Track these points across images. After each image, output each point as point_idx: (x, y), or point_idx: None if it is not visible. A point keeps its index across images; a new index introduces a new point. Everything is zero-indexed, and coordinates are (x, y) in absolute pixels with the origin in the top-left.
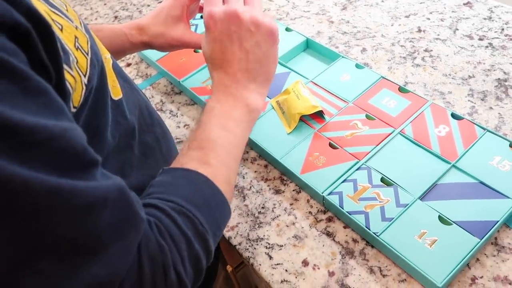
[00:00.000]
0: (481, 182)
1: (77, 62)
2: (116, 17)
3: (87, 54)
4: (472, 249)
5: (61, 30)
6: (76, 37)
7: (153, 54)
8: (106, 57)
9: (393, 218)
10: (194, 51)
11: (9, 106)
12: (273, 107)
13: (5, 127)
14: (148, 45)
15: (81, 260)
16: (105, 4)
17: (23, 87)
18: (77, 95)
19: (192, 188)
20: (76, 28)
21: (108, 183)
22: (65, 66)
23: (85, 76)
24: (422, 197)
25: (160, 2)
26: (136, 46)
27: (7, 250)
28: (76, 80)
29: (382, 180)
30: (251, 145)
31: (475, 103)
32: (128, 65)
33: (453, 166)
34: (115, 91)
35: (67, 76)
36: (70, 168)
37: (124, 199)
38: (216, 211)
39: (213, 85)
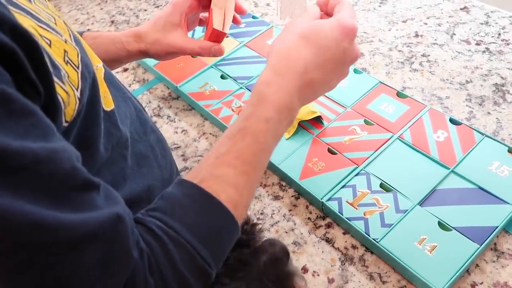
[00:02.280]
0: (480, 188)
1: (68, 76)
2: (112, 21)
3: (77, 67)
4: (472, 255)
5: (50, 45)
6: (65, 51)
7: (150, 59)
8: (98, 66)
9: (393, 224)
10: (192, 57)
11: None
12: None
13: None
14: (145, 53)
15: None
16: (101, 9)
17: (7, 110)
18: (71, 110)
19: (202, 214)
20: (65, 41)
21: (104, 214)
22: (57, 81)
23: (77, 90)
24: (421, 203)
25: (157, 6)
26: (132, 54)
27: None
28: (69, 94)
29: (381, 185)
30: None
31: (473, 108)
32: (125, 70)
33: (452, 171)
34: (107, 102)
35: (59, 90)
36: (58, 194)
37: (118, 234)
38: (224, 240)
39: (280, 79)
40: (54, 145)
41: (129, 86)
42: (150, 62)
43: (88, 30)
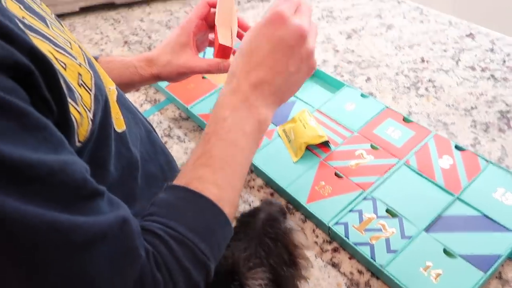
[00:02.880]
0: (485, 215)
1: (81, 98)
2: (125, 42)
3: (91, 90)
4: (477, 283)
5: (65, 68)
6: (79, 74)
7: None
8: (110, 88)
9: (398, 250)
10: (203, 78)
11: (8, 143)
12: (279, 136)
13: (3, 164)
14: (157, 77)
15: None
16: (115, 29)
17: (21, 124)
18: (84, 130)
19: (195, 212)
20: (80, 65)
21: (110, 217)
22: (70, 101)
23: (90, 111)
24: (427, 229)
25: (169, 27)
26: (145, 79)
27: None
28: (82, 115)
29: (387, 211)
30: (257, 173)
31: (478, 134)
32: (137, 90)
33: (457, 198)
34: (119, 123)
35: (72, 110)
36: (70, 202)
37: (125, 233)
38: (218, 235)
39: (232, 85)
40: (65, 157)
41: (141, 106)
42: (162, 83)
43: (102, 50)
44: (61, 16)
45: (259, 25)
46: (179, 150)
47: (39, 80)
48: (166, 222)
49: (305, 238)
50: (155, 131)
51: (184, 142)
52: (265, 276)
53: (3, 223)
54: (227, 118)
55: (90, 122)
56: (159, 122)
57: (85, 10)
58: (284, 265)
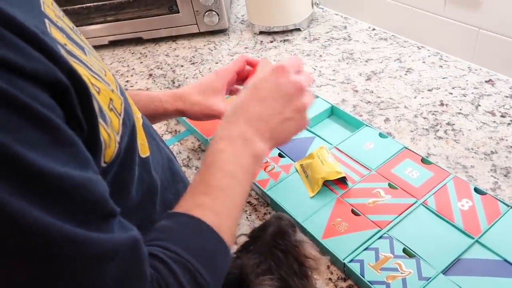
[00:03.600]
0: (506, 260)
1: (111, 121)
2: (150, 74)
3: (120, 115)
4: None
5: (98, 93)
6: (111, 99)
7: None
8: (138, 116)
9: None
10: None
11: (39, 155)
12: (297, 170)
13: (34, 174)
14: (182, 113)
15: None
16: (141, 63)
17: (55, 138)
18: (110, 151)
19: (196, 237)
20: (112, 91)
21: (122, 237)
22: (101, 122)
23: (118, 134)
24: (445, 272)
25: (193, 63)
26: (169, 113)
27: None
28: (110, 137)
29: (404, 251)
30: (274, 206)
31: (498, 179)
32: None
33: (477, 241)
34: (144, 149)
35: (102, 131)
36: (88, 218)
37: (135, 255)
38: (218, 260)
39: (228, 121)
40: (89, 175)
41: (161, 137)
42: None
43: (127, 81)
44: None
45: (264, 72)
46: None
47: (75, 99)
48: (168, 245)
49: (316, 250)
50: (175, 159)
51: None
52: (274, 284)
53: (23, 231)
54: (225, 150)
55: (117, 145)
56: (179, 152)
57: (114, 43)
58: (295, 276)
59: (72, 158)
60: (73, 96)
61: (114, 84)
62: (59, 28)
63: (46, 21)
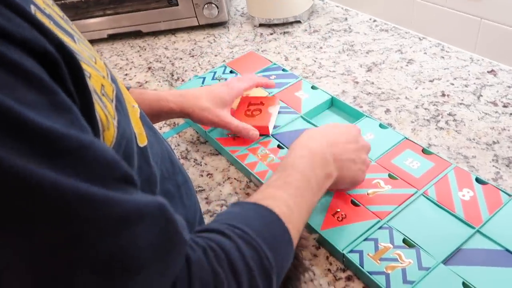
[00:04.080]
0: (507, 250)
1: (105, 106)
2: (149, 68)
3: (112, 101)
4: None
5: (89, 78)
6: (102, 85)
7: None
8: (134, 106)
9: (415, 281)
10: None
11: (39, 114)
12: None
13: (35, 133)
14: (187, 115)
15: (118, 278)
16: (140, 56)
17: (51, 100)
18: (110, 136)
19: (262, 222)
20: (103, 77)
21: (148, 199)
22: (97, 99)
23: (114, 119)
24: (445, 262)
25: (192, 56)
26: (174, 113)
27: (37, 261)
28: (108, 120)
29: (404, 241)
30: None
31: (499, 169)
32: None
33: (478, 231)
34: (141, 138)
35: (98, 109)
36: (103, 178)
37: (165, 217)
38: (283, 251)
39: (311, 137)
40: (93, 138)
41: (160, 129)
42: None
43: (126, 75)
44: (90, 42)
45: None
46: (195, 172)
47: (65, 73)
48: (234, 223)
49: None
50: (173, 152)
51: (201, 165)
52: None
53: (34, 192)
54: (305, 157)
55: (116, 129)
56: (177, 144)
57: (113, 37)
58: None
59: (72, 123)
60: (63, 68)
61: (105, 72)
62: (46, 15)
63: (32, 6)
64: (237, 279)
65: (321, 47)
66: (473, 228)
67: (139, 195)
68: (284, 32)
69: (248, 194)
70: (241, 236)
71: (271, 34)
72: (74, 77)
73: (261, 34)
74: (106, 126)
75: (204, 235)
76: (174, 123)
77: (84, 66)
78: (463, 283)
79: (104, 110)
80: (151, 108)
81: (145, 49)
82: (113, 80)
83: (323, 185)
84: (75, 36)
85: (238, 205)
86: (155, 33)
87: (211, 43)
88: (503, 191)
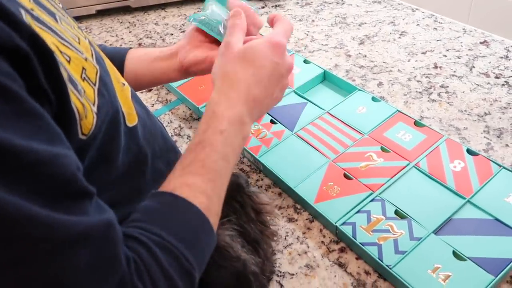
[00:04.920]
0: (496, 219)
1: (84, 92)
2: (140, 44)
3: (94, 84)
4: (487, 287)
5: (69, 61)
6: (83, 68)
7: None
8: (124, 84)
9: (407, 251)
10: None
11: None
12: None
13: None
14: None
15: None
16: (130, 32)
17: (15, 109)
18: (88, 123)
19: (181, 219)
20: (86, 59)
21: (95, 219)
22: (73, 90)
23: (94, 105)
24: (436, 231)
25: (182, 31)
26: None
27: None
28: (86, 108)
29: (396, 212)
30: (266, 172)
31: (491, 140)
32: (149, 90)
33: (468, 201)
34: (131, 118)
35: (74, 100)
36: (55, 197)
37: (108, 239)
38: (203, 244)
39: (227, 96)
40: (58, 150)
41: (152, 106)
42: (174, 83)
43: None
44: (78, 18)
45: (265, 43)
46: None
47: (37, 67)
48: (149, 227)
49: (268, 197)
50: (165, 129)
51: None
52: (233, 228)
53: None
54: (224, 131)
55: (95, 116)
56: (170, 121)
57: (102, 13)
58: (253, 223)
59: (37, 131)
60: (35, 63)
61: (90, 53)
62: None
63: None
64: None
65: (313, 20)
66: (464, 198)
67: (91, 209)
68: (276, 5)
69: (242, 170)
70: (157, 243)
71: (263, 7)
72: (47, 70)
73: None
74: (84, 115)
75: (126, 243)
76: (167, 100)
77: (63, 48)
78: (453, 252)
79: (81, 99)
80: (152, 73)
81: (134, 25)
82: (98, 61)
83: (241, 149)
84: (57, 15)
85: (155, 198)
86: (145, 8)
87: None
88: (493, 161)
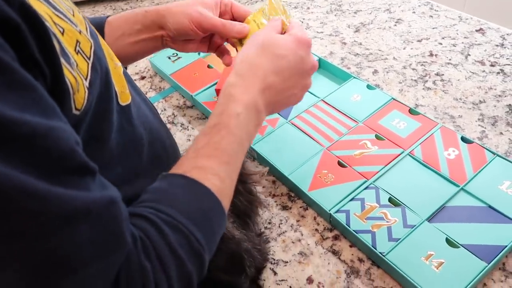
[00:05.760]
0: (490, 206)
1: (76, 65)
2: None
3: (89, 58)
4: (479, 273)
5: (62, 33)
6: (78, 41)
7: (167, 68)
8: (117, 64)
9: (400, 238)
10: (208, 67)
11: None
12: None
13: None
14: (161, 17)
15: (55, 277)
16: (114, 10)
17: (8, 80)
18: (80, 98)
19: (192, 200)
20: (80, 32)
21: (96, 195)
22: (65, 64)
23: (86, 79)
24: (429, 219)
25: None
26: (148, 20)
27: None
28: (77, 81)
29: (390, 200)
30: (260, 160)
31: (485, 128)
32: (142, 78)
33: (462, 189)
34: (123, 97)
35: (67, 73)
36: (52, 171)
37: (111, 215)
38: (214, 225)
39: (245, 81)
40: (53, 123)
41: (145, 94)
42: (167, 71)
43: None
44: None
45: (290, 38)
46: (182, 137)
47: (29, 38)
48: (159, 206)
49: (253, 166)
50: (158, 114)
51: (188, 129)
52: None
53: None
54: (240, 114)
55: (87, 90)
56: (164, 109)
57: (95, 0)
58: (240, 195)
59: (31, 104)
60: (26, 34)
61: (84, 26)
62: None
63: None
64: (165, 269)
65: (308, 7)
66: (458, 186)
67: (93, 186)
68: None
69: None
70: (167, 222)
71: None
72: (40, 41)
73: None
74: (76, 89)
75: (133, 221)
76: (160, 87)
77: (56, 19)
78: (447, 239)
79: (72, 72)
80: (127, 22)
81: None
82: (92, 35)
83: (253, 137)
84: None
85: (165, 179)
86: None
87: None
88: (487, 149)
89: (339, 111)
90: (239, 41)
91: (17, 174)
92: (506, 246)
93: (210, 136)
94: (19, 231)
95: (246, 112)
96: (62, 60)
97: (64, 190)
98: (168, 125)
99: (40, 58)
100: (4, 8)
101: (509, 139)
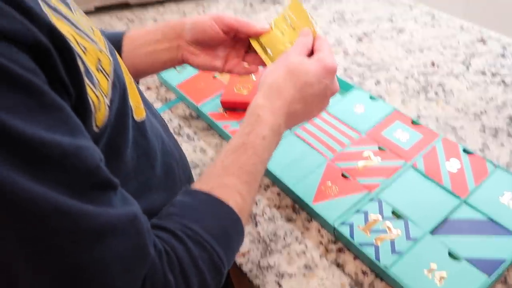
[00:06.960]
0: (491, 219)
1: (99, 83)
2: None
3: (109, 76)
4: (481, 287)
5: (85, 52)
6: (99, 59)
7: (173, 79)
8: (130, 79)
9: (403, 251)
10: (213, 77)
11: (22, 120)
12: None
13: (18, 141)
14: (180, 28)
15: None
16: (128, 29)
17: (39, 102)
18: (101, 115)
19: (215, 217)
20: (100, 51)
21: (121, 211)
22: (88, 83)
23: (107, 97)
24: (432, 231)
25: None
26: (164, 32)
27: (4, 267)
28: (100, 100)
29: (393, 212)
30: (265, 172)
31: (486, 139)
32: (148, 88)
33: (464, 202)
34: (138, 112)
35: (90, 93)
36: (81, 188)
37: (135, 229)
38: (234, 243)
39: (273, 105)
40: (80, 142)
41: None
42: (173, 81)
43: None
44: None
45: (319, 65)
46: (188, 148)
47: (57, 60)
48: (186, 222)
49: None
50: (168, 127)
51: (194, 140)
52: None
53: (9, 201)
54: (266, 137)
55: (107, 108)
56: (169, 120)
57: (100, 9)
58: None
59: (60, 124)
60: (55, 57)
61: (103, 43)
62: None
63: None
64: (187, 283)
65: (311, 17)
66: (460, 199)
67: (116, 201)
68: (274, 2)
69: None
70: (191, 238)
71: (261, 3)
72: (66, 63)
73: (251, 4)
74: (98, 108)
75: (159, 235)
76: (166, 98)
77: (79, 39)
78: (449, 252)
79: (95, 91)
80: (148, 33)
81: (133, 22)
82: (111, 53)
83: (272, 152)
84: (71, 5)
85: (190, 194)
86: (143, 5)
87: (200, 14)
88: (489, 161)
89: (342, 122)
90: (262, 47)
91: (52, 194)
92: (508, 259)
93: (237, 154)
94: (53, 248)
95: (271, 134)
96: (86, 80)
97: (93, 208)
98: (175, 136)
99: (67, 79)
100: (36, 33)
101: (510, 150)
